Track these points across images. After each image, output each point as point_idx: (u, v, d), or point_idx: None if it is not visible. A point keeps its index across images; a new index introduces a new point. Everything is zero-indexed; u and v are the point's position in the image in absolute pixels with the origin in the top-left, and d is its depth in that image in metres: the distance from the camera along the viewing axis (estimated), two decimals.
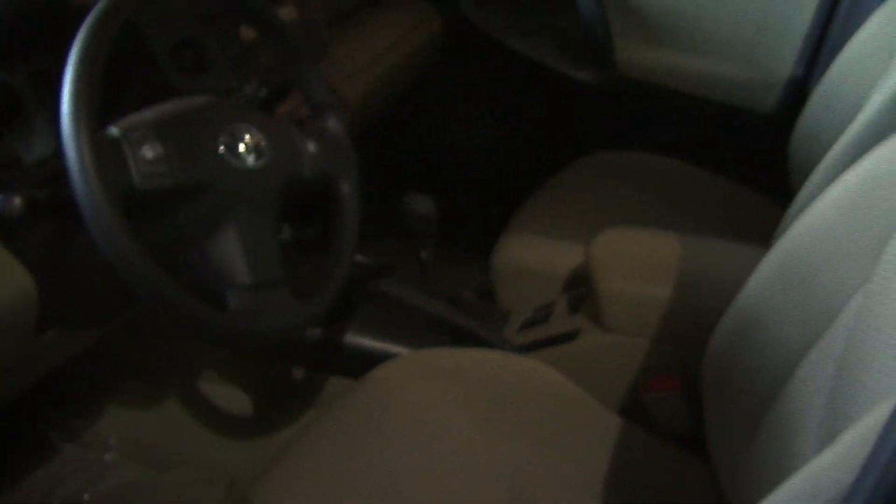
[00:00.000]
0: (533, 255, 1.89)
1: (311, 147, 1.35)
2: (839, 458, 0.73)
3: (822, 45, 2.11)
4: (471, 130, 2.62)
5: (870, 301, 0.98)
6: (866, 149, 1.18)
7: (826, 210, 1.14)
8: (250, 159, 1.23)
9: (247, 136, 1.24)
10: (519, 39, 2.37)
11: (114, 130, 1.13)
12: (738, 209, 2.10)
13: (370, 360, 1.52)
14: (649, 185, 2.12)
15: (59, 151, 1.07)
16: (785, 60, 2.14)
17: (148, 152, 1.11)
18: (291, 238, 1.50)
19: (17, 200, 1.10)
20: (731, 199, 2.14)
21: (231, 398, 1.90)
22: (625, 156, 2.25)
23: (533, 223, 1.98)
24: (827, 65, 1.88)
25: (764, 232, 1.63)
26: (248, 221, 1.22)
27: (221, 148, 1.21)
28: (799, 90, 2.13)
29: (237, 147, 1.23)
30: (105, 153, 1.07)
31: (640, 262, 1.63)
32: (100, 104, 1.08)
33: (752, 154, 2.24)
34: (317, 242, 1.52)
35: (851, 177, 1.12)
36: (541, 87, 2.49)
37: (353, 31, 2.11)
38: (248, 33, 1.59)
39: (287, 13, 1.72)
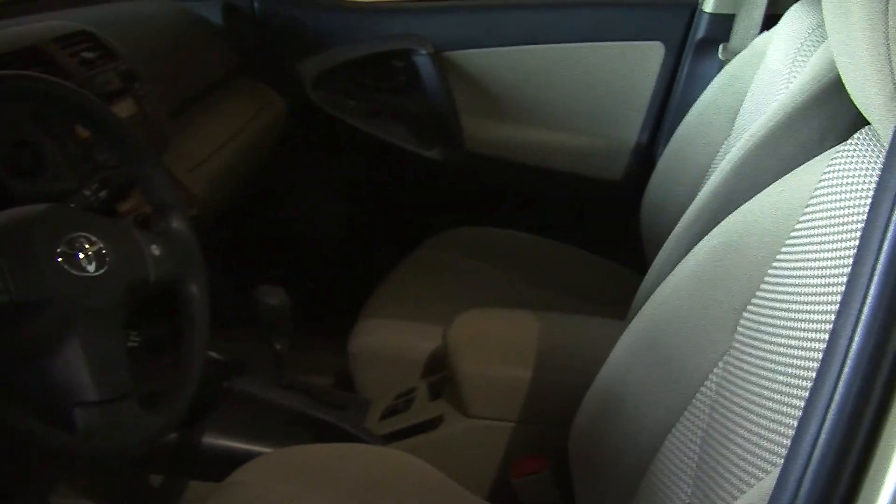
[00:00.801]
0: (390, 339, 1.84)
1: (156, 250, 1.30)
2: None
3: (665, 111, 2.16)
4: (321, 213, 2.58)
5: (728, 373, 0.97)
6: (716, 217, 1.19)
7: (681, 282, 1.13)
8: (91, 268, 1.17)
9: (86, 244, 1.18)
10: (365, 120, 2.35)
11: None
12: (598, 281, 2.10)
13: (230, 461, 1.45)
14: (507, 261, 2.11)
15: None
16: (630, 128, 2.19)
17: None
18: (140, 344, 1.43)
19: None
20: (590, 270, 2.14)
21: None
22: (480, 232, 2.24)
23: (389, 306, 1.93)
24: (671, 131, 1.90)
25: (626, 303, 1.62)
26: (93, 333, 1.15)
27: (60, 258, 1.14)
28: (646, 157, 2.18)
29: (76, 256, 1.16)
30: None
31: (499, 344, 1.60)
32: None
33: (608, 224, 2.25)
34: (167, 345, 1.45)
35: (704, 248, 1.10)
36: (391, 167, 2.47)
37: (197, 121, 2.04)
38: (84, 131, 1.52)
39: (125, 108, 1.65)
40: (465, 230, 2.24)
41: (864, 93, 0.76)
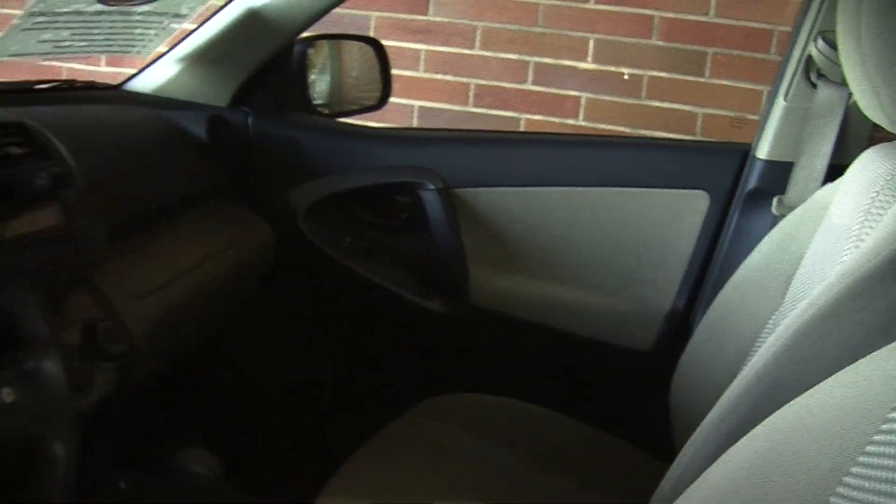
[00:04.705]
0: None
1: (7, 395, 1.08)
2: None
3: (707, 272, 2.01)
4: (292, 361, 2.37)
5: None
6: (757, 407, 1.09)
7: (714, 493, 0.93)
8: None
9: None
10: (360, 261, 2.16)
11: None
12: (612, 468, 1.87)
13: None
14: (501, 435, 1.87)
15: None
16: (664, 290, 2.03)
17: None
18: None
19: None
20: (600, 452, 1.92)
21: None
22: (479, 400, 2.01)
23: (356, 486, 1.67)
24: (712, 296, 1.75)
25: (637, 491, 1.41)
26: None
27: None
28: (680, 325, 2.02)
29: None
30: None
31: None
32: None
33: (627, 399, 2.07)
34: None
35: (745, 452, 0.91)
36: (383, 317, 2.27)
37: (157, 241, 1.86)
38: None
39: (46, 216, 1.42)
40: (462, 397, 2.01)
41: None
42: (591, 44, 3.15)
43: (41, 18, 1.70)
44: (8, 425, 1.06)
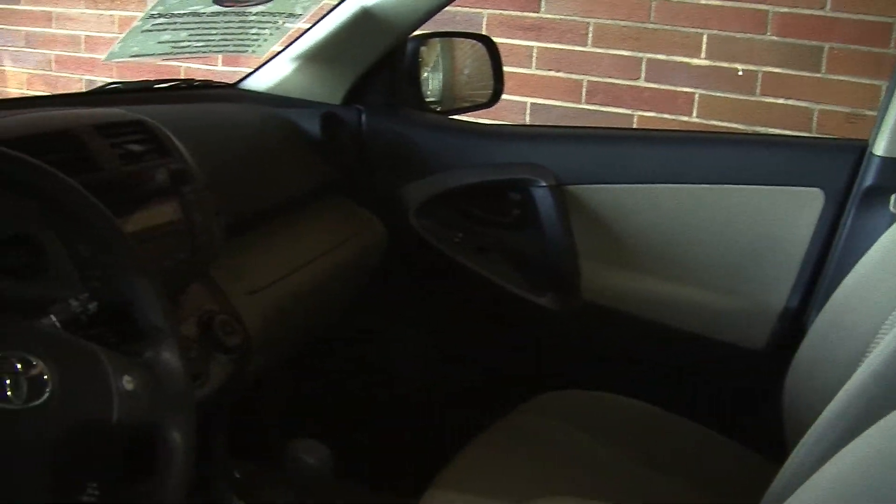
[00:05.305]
0: None
1: (128, 382, 1.07)
2: None
3: (822, 271, 1.95)
4: (401, 357, 2.36)
5: None
6: (871, 408, 1.03)
7: (824, 493, 0.90)
8: (19, 397, 0.95)
9: (17, 366, 0.96)
10: (473, 256, 2.15)
11: None
12: (719, 464, 1.84)
13: None
14: (611, 433, 1.84)
15: None
16: (778, 288, 1.97)
17: None
18: (98, 500, 1.18)
19: None
20: (710, 451, 1.87)
21: None
22: (589, 397, 1.98)
23: (469, 478, 1.67)
24: (828, 293, 1.70)
25: (752, 496, 1.35)
26: (5, 480, 0.94)
27: None
28: (795, 324, 1.95)
29: (1, 381, 0.95)
30: None
31: None
32: None
33: (737, 398, 2.02)
34: None
35: (853, 454, 0.89)
36: (491, 313, 2.25)
37: (272, 237, 1.88)
38: None
39: (166, 212, 1.45)
40: (572, 393, 1.98)
41: None
42: (704, 40, 3.10)
43: (160, 20, 1.74)
44: (128, 412, 1.06)
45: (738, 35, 3.05)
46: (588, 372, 2.13)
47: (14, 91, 4.40)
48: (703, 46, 3.11)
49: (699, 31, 3.10)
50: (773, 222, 1.97)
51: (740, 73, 3.08)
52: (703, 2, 3.07)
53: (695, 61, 3.13)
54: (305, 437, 1.49)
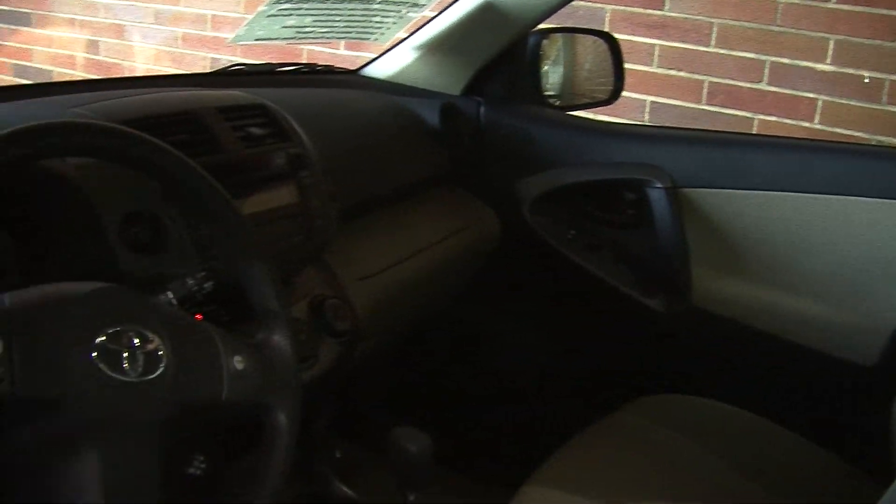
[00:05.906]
0: None
1: (238, 362, 1.10)
2: None
3: None
4: (506, 351, 2.35)
5: None
6: None
7: None
8: (135, 371, 0.98)
9: (135, 341, 0.99)
10: (584, 254, 2.13)
11: None
12: (820, 479, 1.79)
13: None
14: (712, 441, 1.81)
15: None
16: (892, 306, 1.90)
17: None
18: (205, 473, 1.21)
19: None
20: (812, 465, 1.82)
21: None
22: (687, 402, 1.95)
23: (567, 476, 1.66)
24: None
25: None
26: (119, 451, 0.96)
27: (94, 353, 0.96)
28: None
29: (119, 354, 0.97)
30: None
31: None
32: None
33: (844, 413, 1.97)
34: (240, 480, 1.23)
35: None
36: (599, 311, 2.23)
37: (386, 224, 1.90)
38: None
39: (283, 195, 1.47)
40: (674, 398, 1.95)
41: None
42: (831, 45, 3.02)
43: (286, 5, 1.76)
44: (237, 391, 1.09)
45: (867, 41, 2.97)
46: (693, 376, 2.10)
47: (141, 66, 4.50)
48: (830, 51, 3.03)
49: (826, 35, 3.02)
50: (893, 238, 1.91)
51: (867, 80, 3.00)
52: (832, 6, 2.99)
53: (820, 66, 3.05)
54: (407, 423, 1.49)
